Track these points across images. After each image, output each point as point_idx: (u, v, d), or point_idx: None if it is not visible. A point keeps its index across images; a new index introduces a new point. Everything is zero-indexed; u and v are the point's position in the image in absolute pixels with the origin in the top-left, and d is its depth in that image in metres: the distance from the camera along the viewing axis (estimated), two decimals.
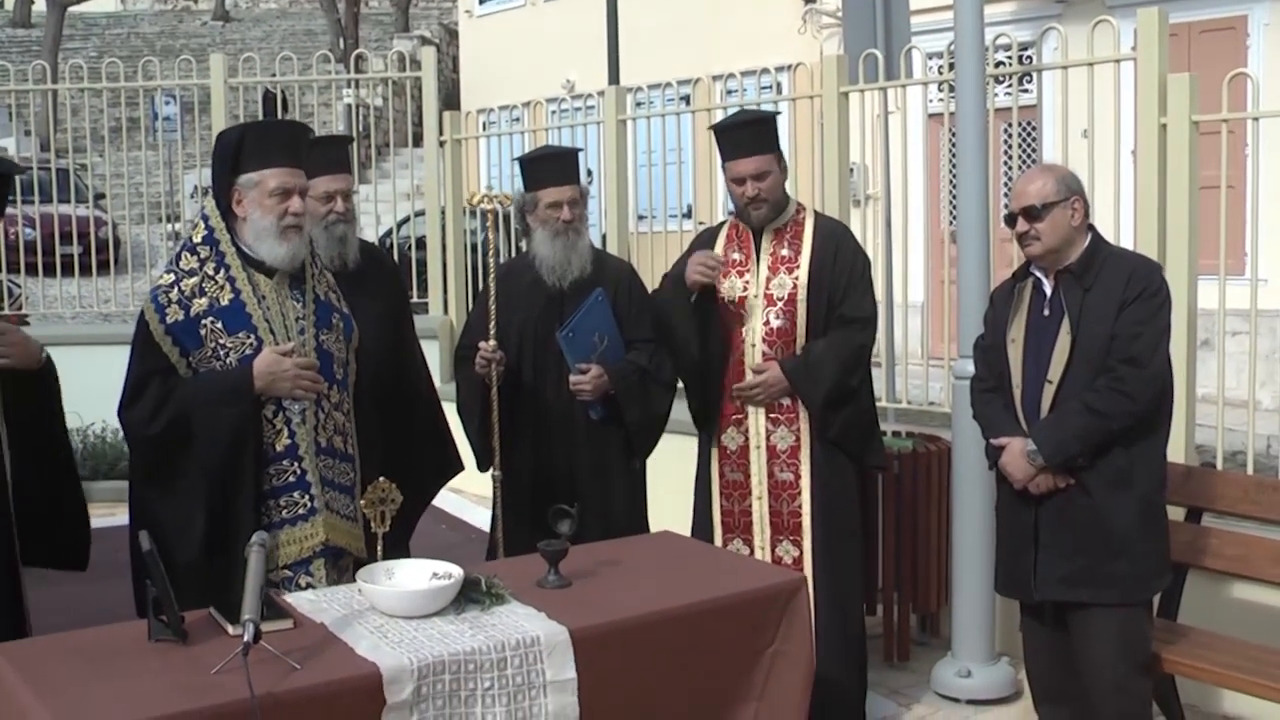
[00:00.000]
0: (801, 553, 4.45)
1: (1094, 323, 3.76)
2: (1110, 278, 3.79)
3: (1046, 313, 3.87)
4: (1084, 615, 3.84)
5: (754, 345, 4.46)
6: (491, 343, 4.49)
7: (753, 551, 4.50)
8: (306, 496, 3.52)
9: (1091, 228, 3.91)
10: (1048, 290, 3.89)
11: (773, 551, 4.48)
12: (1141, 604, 3.89)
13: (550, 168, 4.71)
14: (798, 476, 4.45)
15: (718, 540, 4.55)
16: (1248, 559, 4.39)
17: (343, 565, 3.63)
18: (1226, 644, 4.23)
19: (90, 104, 10.21)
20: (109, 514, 7.93)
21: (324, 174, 4.27)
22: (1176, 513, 4.66)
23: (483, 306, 4.67)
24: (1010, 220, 3.92)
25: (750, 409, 4.48)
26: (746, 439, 4.50)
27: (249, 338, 3.49)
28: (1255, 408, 5.04)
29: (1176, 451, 4.98)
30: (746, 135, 4.44)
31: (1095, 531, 3.77)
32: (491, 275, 4.60)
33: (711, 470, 4.58)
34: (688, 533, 4.50)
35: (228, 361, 3.48)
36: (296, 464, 3.52)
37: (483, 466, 4.78)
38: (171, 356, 3.49)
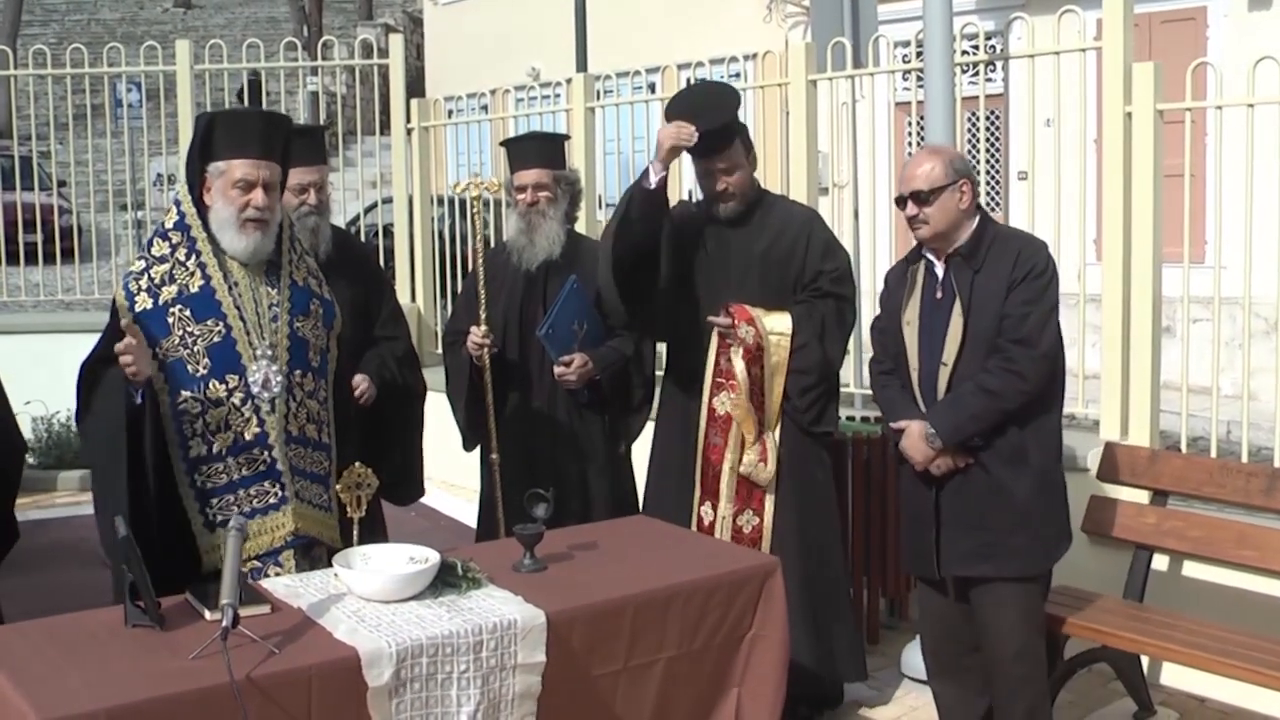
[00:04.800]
0: (762, 521, 4.44)
1: (984, 304, 3.80)
2: (998, 259, 3.82)
3: (939, 295, 3.89)
4: (986, 589, 3.89)
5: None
6: (483, 327, 4.54)
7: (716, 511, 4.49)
8: (277, 486, 3.47)
9: (980, 209, 3.93)
10: (939, 273, 3.91)
11: (734, 521, 4.45)
12: (1041, 576, 3.96)
13: (522, 150, 4.77)
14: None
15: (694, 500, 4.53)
16: (1211, 541, 4.47)
17: (315, 555, 3.57)
18: (1191, 625, 4.30)
19: (52, 90, 10.10)
20: (74, 502, 7.92)
21: (297, 165, 4.26)
22: (1141, 495, 4.75)
23: (471, 291, 4.71)
24: (900, 203, 3.93)
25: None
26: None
27: (217, 325, 3.44)
28: (1218, 393, 5.11)
29: (1141, 436, 5.06)
30: (716, 131, 4.32)
31: (995, 507, 3.81)
32: (481, 260, 4.63)
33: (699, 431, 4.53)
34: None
35: (195, 350, 3.42)
36: (266, 453, 3.46)
37: (469, 447, 4.82)
38: None
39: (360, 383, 4.29)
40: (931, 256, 3.94)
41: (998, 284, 3.79)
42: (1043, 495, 3.84)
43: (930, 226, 3.86)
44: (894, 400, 4.02)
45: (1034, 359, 3.75)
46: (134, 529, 3.22)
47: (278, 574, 3.44)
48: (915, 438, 3.86)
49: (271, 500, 3.47)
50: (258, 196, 3.46)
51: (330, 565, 3.40)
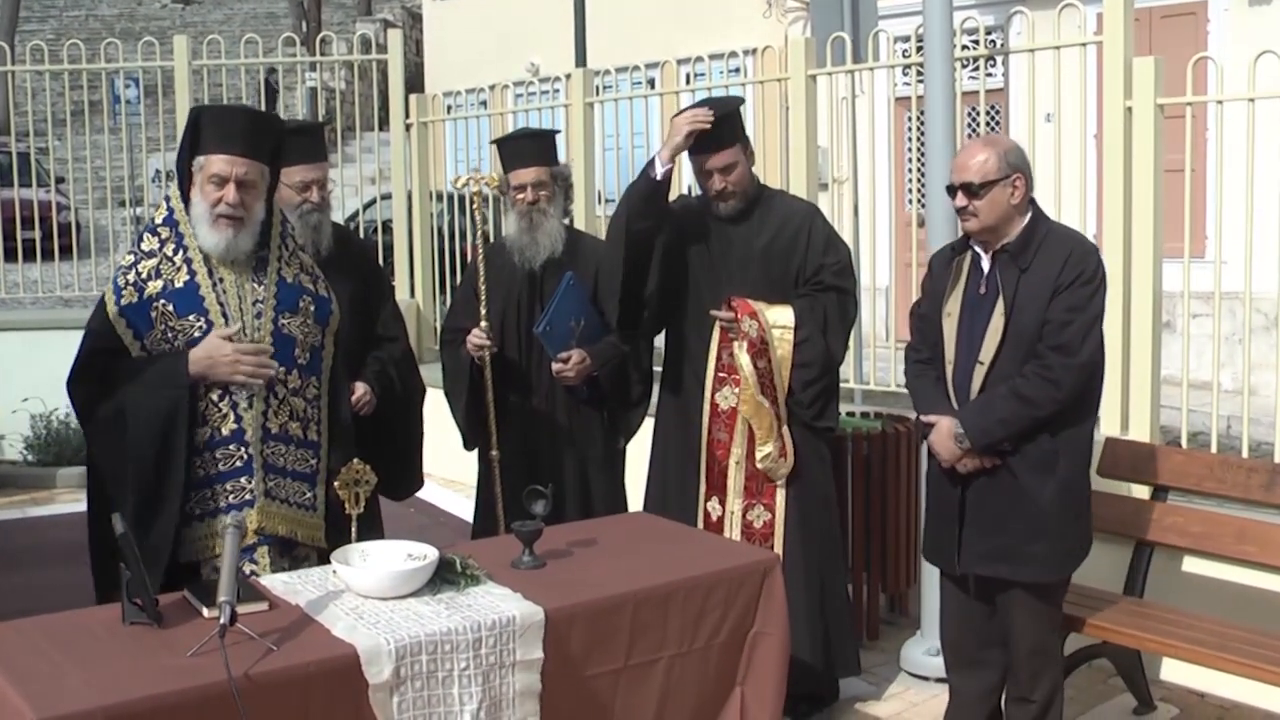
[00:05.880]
0: (774, 516, 4.45)
1: (1028, 305, 3.72)
2: (1047, 259, 3.73)
3: (983, 290, 3.82)
4: (1004, 588, 3.88)
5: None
6: (485, 324, 4.53)
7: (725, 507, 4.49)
8: (252, 483, 3.46)
9: (1033, 203, 3.85)
10: (985, 267, 3.83)
11: (744, 516, 4.46)
12: (1059, 582, 3.93)
13: (518, 149, 4.74)
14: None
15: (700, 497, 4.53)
16: (1211, 536, 4.46)
17: (298, 555, 3.54)
18: (1191, 620, 4.29)
19: (50, 87, 10.09)
20: (73, 499, 7.91)
21: (299, 163, 4.25)
22: (1142, 490, 4.74)
23: (469, 289, 4.69)
24: (951, 192, 3.84)
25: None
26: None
27: (199, 320, 3.43)
28: (1218, 389, 5.10)
29: (1141, 431, 5.06)
30: (712, 130, 4.33)
31: (1018, 512, 3.77)
32: (482, 257, 4.61)
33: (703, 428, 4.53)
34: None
35: (176, 345, 3.42)
36: (243, 449, 3.44)
37: (469, 446, 4.81)
38: (125, 339, 3.44)
39: (363, 394, 4.29)
40: (979, 249, 3.85)
41: (1043, 286, 3.70)
42: (1066, 505, 3.78)
43: (979, 220, 3.76)
44: (927, 392, 3.96)
45: (1071, 368, 3.66)
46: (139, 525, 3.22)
47: (252, 570, 3.41)
48: (944, 435, 3.81)
49: (247, 496, 3.45)
50: (229, 193, 3.44)
51: (316, 565, 3.40)
